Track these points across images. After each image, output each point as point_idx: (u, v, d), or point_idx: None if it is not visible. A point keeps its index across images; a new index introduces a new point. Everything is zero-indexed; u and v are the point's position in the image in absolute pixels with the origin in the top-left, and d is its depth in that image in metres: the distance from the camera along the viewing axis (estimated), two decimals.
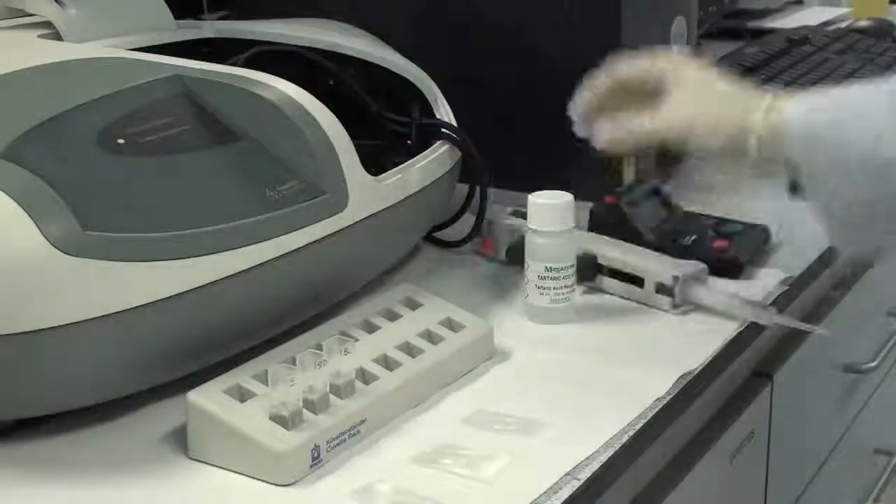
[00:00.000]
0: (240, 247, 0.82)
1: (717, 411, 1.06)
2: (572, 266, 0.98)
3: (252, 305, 0.84)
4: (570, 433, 0.81)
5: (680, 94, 0.90)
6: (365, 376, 0.82)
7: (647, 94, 0.91)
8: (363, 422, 0.79)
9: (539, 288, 0.97)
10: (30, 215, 0.73)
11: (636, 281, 1.01)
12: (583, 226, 1.07)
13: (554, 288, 0.97)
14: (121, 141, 0.82)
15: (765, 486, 1.20)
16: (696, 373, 0.90)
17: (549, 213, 0.97)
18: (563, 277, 0.97)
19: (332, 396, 0.78)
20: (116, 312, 0.76)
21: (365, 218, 0.93)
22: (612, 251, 1.03)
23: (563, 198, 0.97)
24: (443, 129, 1.09)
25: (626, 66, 0.94)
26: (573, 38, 1.19)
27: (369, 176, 0.94)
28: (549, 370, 0.90)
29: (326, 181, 0.90)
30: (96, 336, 0.76)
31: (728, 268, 1.06)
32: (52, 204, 0.75)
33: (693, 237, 1.08)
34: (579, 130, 0.96)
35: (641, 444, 0.83)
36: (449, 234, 1.13)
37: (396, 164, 1.00)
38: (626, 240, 1.06)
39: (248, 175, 0.87)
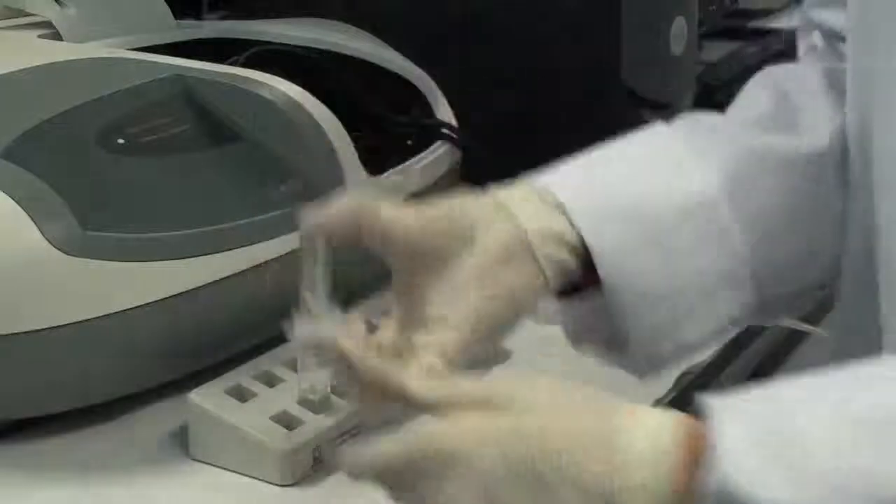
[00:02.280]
0: (240, 247, 0.82)
1: None
2: None
3: (252, 305, 0.84)
4: None
5: None
6: None
7: None
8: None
9: None
10: (30, 215, 0.73)
11: None
12: None
13: None
14: (121, 141, 0.82)
15: None
16: (696, 373, 0.90)
17: None
18: None
19: (332, 397, 0.78)
20: (116, 312, 0.76)
21: None
22: None
23: None
24: (443, 129, 1.09)
25: None
26: (573, 38, 1.19)
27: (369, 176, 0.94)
28: (549, 370, 0.90)
29: (326, 181, 0.89)
30: (96, 336, 0.76)
31: None
32: (52, 204, 0.74)
33: None
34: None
35: None
36: None
37: (396, 164, 1.00)
38: None
39: (248, 175, 0.87)
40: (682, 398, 0.88)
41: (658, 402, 0.85)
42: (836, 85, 0.74)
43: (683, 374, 0.89)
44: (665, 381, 0.87)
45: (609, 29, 1.18)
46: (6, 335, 0.74)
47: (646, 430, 0.52)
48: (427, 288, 0.63)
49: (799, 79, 0.76)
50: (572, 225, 0.66)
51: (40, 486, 0.75)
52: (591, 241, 0.66)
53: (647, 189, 0.68)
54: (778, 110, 0.73)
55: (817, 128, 0.72)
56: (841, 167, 0.71)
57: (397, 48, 1.17)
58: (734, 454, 0.49)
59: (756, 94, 0.76)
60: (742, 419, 0.50)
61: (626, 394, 0.86)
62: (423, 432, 0.54)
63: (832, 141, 0.72)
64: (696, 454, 0.50)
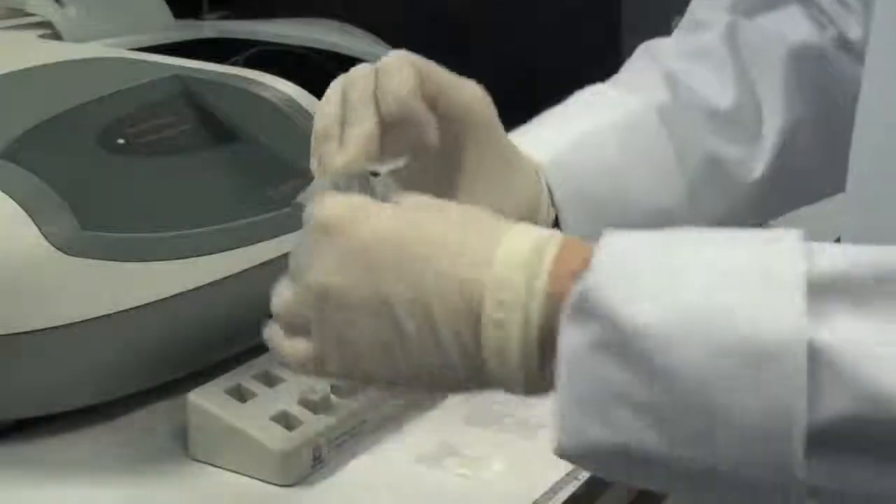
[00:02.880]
0: (240, 247, 0.82)
1: None
2: None
3: (252, 305, 0.84)
4: None
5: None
6: None
7: None
8: (364, 422, 0.79)
9: None
10: (30, 215, 0.73)
11: None
12: None
13: None
14: (121, 141, 0.82)
15: None
16: None
17: None
18: None
19: (332, 397, 0.78)
20: (116, 312, 0.76)
21: None
22: None
23: None
24: None
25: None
26: (573, 38, 1.19)
27: None
28: None
29: None
30: (96, 336, 0.76)
31: None
32: (52, 204, 0.74)
33: None
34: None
35: None
36: None
37: None
38: None
39: (248, 175, 0.87)
40: None
41: None
42: (800, 65, 0.79)
43: None
44: None
45: (609, 28, 1.18)
46: (6, 335, 0.74)
47: (531, 237, 0.53)
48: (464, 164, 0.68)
49: (764, 59, 0.79)
50: (558, 224, 0.72)
51: (40, 486, 0.75)
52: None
53: (631, 198, 0.75)
54: (741, 107, 0.78)
55: (771, 138, 0.78)
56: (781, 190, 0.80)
57: (397, 48, 1.17)
58: (606, 267, 0.50)
59: (722, 77, 0.79)
60: (627, 243, 0.51)
61: None
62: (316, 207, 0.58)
63: (779, 150, 0.79)
64: (576, 269, 0.51)
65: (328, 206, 0.58)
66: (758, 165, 0.78)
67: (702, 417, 0.47)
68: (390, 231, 0.55)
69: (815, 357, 0.46)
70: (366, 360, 0.56)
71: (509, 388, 0.54)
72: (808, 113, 0.79)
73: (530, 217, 0.70)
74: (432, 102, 0.65)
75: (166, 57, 0.95)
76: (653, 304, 0.48)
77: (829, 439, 0.46)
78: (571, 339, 0.50)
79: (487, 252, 0.53)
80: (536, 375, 0.53)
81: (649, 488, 0.54)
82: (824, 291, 0.47)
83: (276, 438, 0.75)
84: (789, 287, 0.47)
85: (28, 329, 0.74)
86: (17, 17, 1.10)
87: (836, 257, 0.48)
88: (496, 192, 0.68)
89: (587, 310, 0.49)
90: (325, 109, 0.64)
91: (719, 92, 0.78)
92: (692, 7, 0.85)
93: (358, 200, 0.58)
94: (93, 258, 0.75)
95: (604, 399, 0.49)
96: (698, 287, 0.48)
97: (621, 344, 0.48)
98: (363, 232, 0.55)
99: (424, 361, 0.54)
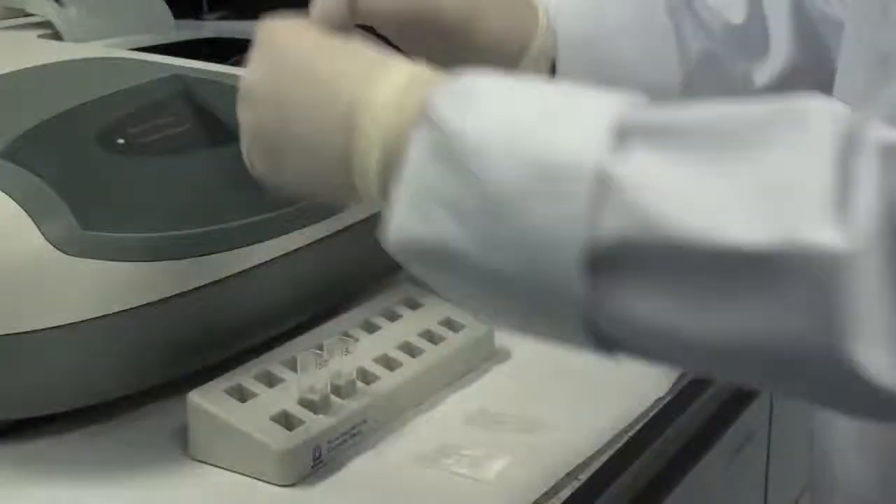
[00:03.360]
0: (240, 247, 0.82)
1: (717, 411, 1.06)
2: None
3: (252, 305, 0.84)
4: (570, 433, 0.81)
5: None
6: (366, 376, 0.82)
7: None
8: (364, 422, 0.79)
9: None
10: (30, 215, 0.73)
11: None
12: None
13: None
14: (121, 141, 0.82)
15: (765, 486, 1.20)
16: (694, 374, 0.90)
17: None
18: None
19: (332, 396, 0.78)
20: (116, 312, 0.76)
21: (365, 218, 0.92)
22: None
23: None
24: None
25: None
26: None
27: None
28: (549, 370, 0.90)
29: None
30: (96, 336, 0.76)
31: None
32: (52, 204, 0.74)
33: None
34: None
35: (641, 444, 0.83)
36: None
37: None
38: None
39: (249, 175, 0.87)
40: (683, 398, 0.88)
41: (658, 402, 0.85)
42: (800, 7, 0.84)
43: (683, 375, 0.89)
44: (665, 381, 0.87)
45: None
46: (6, 335, 0.74)
47: (409, 70, 0.59)
48: None
49: None
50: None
51: (40, 486, 0.75)
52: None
53: (629, 66, 0.78)
54: (750, 25, 0.83)
55: (776, 61, 0.82)
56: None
57: (396, 47, 1.17)
58: (451, 88, 0.56)
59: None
60: (479, 77, 0.56)
61: (626, 392, 0.87)
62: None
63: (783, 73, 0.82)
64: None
65: (276, 20, 0.65)
66: (760, 77, 0.82)
67: (503, 222, 0.52)
68: (306, 45, 0.62)
69: (604, 182, 0.50)
70: (275, 160, 0.63)
71: (372, 199, 0.60)
72: (810, 50, 0.83)
73: (526, 50, 0.76)
74: None
75: (166, 57, 0.95)
76: (478, 119, 0.53)
77: (609, 260, 0.50)
78: (413, 145, 0.55)
79: (373, 80, 0.59)
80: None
81: (457, 295, 0.57)
82: (632, 131, 0.51)
83: (276, 438, 0.75)
84: (598, 122, 0.51)
85: (28, 329, 0.74)
86: (17, 17, 1.10)
87: (660, 106, 0.52)
88: (502, 21, 0.75)
89: (427, 118, 0.55)
90: None
91: (732, 9, 0.82)
92: None
93: (301, 22, 0.65)
94: (93, 258, 0.75)
95: (426, 198, 0.54)
96: (523, 112, 0.53)
97: (446, 148, 0.53)
98: (284, 42, 0.63)
99: (312, 166, 0.61)
